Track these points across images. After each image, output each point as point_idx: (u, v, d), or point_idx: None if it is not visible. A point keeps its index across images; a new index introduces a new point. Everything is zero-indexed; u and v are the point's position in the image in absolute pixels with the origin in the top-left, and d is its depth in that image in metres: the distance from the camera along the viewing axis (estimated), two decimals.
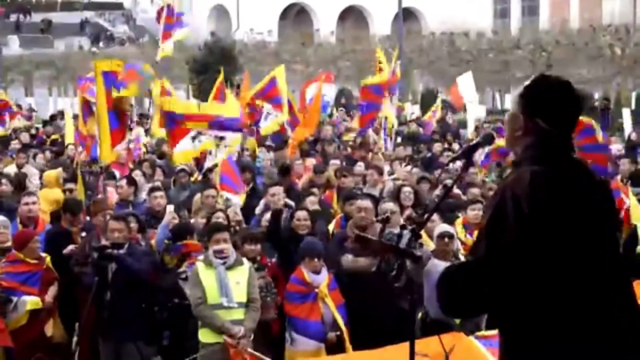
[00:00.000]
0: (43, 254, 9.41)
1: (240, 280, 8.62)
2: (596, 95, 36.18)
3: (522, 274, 3.66)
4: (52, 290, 9.26)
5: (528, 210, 3.66)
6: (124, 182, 12.44)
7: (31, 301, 9.03)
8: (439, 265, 4.00)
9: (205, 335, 8.52)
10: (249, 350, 8.02)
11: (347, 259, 9.15)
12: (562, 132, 3.92)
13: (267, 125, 17.76)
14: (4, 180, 12.98)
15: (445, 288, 3.87)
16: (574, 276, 3.69)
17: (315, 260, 9.01)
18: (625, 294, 3.87)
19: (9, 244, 9.45)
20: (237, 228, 10.38)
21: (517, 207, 3.68)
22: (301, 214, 10.12)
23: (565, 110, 3.93)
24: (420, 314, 7.81)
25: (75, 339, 9.32)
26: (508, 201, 3.72)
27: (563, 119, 3.92)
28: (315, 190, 12.50)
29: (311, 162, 15.95)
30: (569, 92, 3.94)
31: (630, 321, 3.78)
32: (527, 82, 4.01)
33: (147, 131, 21.63)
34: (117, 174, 14.13)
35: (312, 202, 11.21)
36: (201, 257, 8.87)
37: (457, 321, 8.40)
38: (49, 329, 9.14)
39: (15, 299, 9.00)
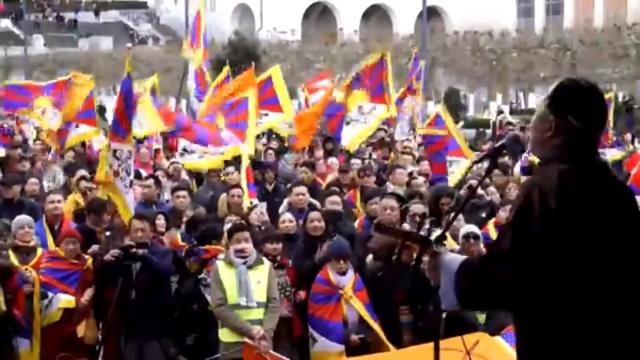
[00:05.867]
0: (86, 256, 9.44)
1: (261, 280, 8.64)
2: (620, 95, 35.97)
3: (546, 269, 3.65)
4: (89, 292, 9.24)
5: (555, 207, 3.65)
6: (150, 181, 12.42)
7: (65, 299, 9.06)
8: (458, 257, 3.98)
9: (226, 335, 8.55)
10: (270, 351, 8.02)
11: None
12: (591, 132, 3.92)
13: (262, 125, 17.46)
14: (32, 180, 13.03)
15: (465, 277, 3.85)
16: (598, 279, 3.67)
17: (342, 261, 8.99)
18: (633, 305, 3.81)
19: (33, 243, 9.51)
20: (264, 228, 10.40)
21: (544, 203, 3.67)
22: (314, 215, 9.98)
23: (594, 110, 3.93)
24: (444, 314, 7.79)
25: (99, 337, 9.33)
26: (535, 197, 3.71)
27: (592, 118, 3.91)
28: (336, 189, 12.41)
29: (332, 161, 15.91)
30: (596, 93, 3.96)
31: (632, 337, 3.74)
32: (555, 84, 4.02)
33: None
34: (144, 173, 14.14)
35: (332, 202, 11.11)
36: (221, 256, 8.90)
37: (482, 321, 8.39)
38: (81, 329, 9.15)
39: (50, 294, 9.06)
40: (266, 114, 17.08)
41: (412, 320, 8.92)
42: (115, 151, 10.27)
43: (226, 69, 18.07)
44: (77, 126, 16.79)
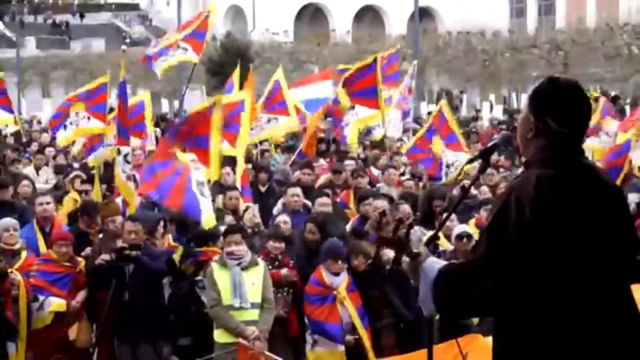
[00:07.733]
0: (79, 258, 9.40)
1: (255, 281, 8.65)
2: (612, 95, 36.02)
3: (520, 277, 3.65)
4: (81, 295, 9.21)
5: (530, 215, 3.65)
6: None
7: (56, 303, 9.03)
8: (437, 263, 3.97)
9: (220, 336, 8.56)
10: (265, 352, 8.03)
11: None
12: (573, 134, 3.91)
13: (269, 131, 17.14)
14: (25, 182, 12.99)
15: (442, 285, 3.86)
16: (573, 284, 3.67)
17: (339, 262, 8.97)
18: (627, 303, 3.83)
19: (18, 246, 9.43)
20: (256, 230, 10.38)
21: (519, 211, 3.67)
22: (310, 226, 9.82)
23: (575, 111, 3.92)
24: (437, 317, 7.78)
25: (93, 340, 9.32)
26: (511, 204, 3.71)
27: (573, 120, 3.90)
28: (328, 191, 12.34)
29: (322, 162, 15.84)
30: (578, 93, 3.94)
31: (630, 334, 3.74)
32: (536, 84, 4.01)
33: (164, 131, 21.68)
34: (138, 176, 14.06)
35: (321, 204, 11.04)
36: (216, 257, 8.90)
37: (475, 323, 8.39)
38: (73, 332, 9.12)
39: (42, 297, 9.02)
40: (275, 119, 16.75)
41: (391, 323, 8.98)
42: (126, 155, 10.88)
43: (237, 72, 17.71)
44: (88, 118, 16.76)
